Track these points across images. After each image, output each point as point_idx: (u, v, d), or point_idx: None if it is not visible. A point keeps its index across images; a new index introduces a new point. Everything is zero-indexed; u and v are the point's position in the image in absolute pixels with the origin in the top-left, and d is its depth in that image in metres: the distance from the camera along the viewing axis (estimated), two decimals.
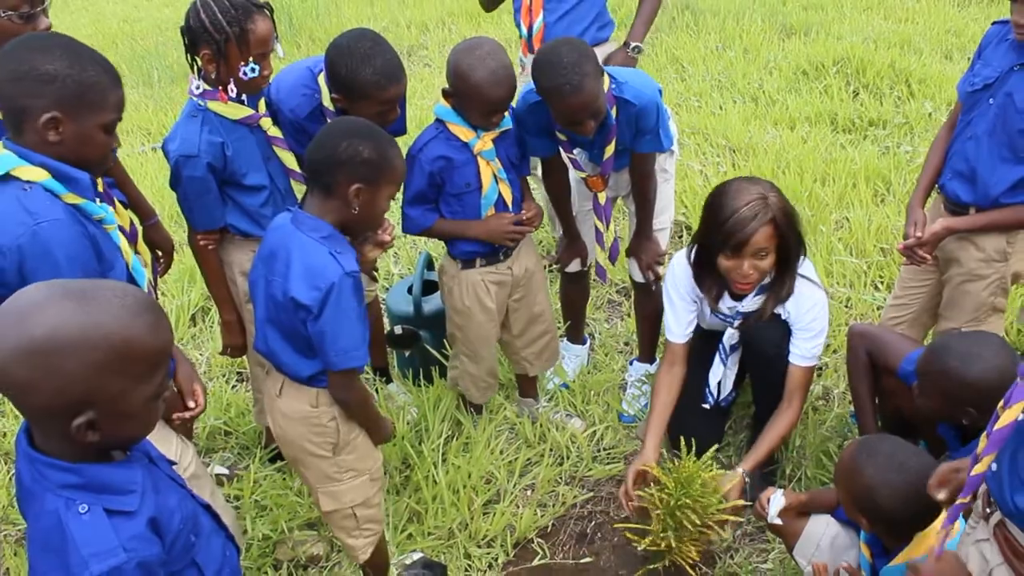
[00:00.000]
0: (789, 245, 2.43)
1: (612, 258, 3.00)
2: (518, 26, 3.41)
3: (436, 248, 3.66)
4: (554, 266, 3.45)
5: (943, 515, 1.89)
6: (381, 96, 2.31)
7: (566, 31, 3.17)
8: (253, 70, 2.23)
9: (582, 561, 2.63)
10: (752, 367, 2.72)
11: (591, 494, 2.83)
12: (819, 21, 6.53)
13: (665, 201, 2.95)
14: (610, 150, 2.63)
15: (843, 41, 5.99)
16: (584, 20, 3.30)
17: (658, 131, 2.64)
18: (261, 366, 2.41)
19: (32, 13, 2.00)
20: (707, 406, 2.75)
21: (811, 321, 2.51)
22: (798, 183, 4.24)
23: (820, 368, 3.13)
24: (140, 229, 2.09)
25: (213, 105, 2.26)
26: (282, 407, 2.13)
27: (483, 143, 2.51)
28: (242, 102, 2.30)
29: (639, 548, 2.44)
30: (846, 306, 3.53)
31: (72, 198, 1.72)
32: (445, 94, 2.49)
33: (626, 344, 3.48)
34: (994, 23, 2.53)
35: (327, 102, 2.42)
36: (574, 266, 3.09)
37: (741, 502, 2.42)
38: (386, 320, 3.33)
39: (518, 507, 2.76)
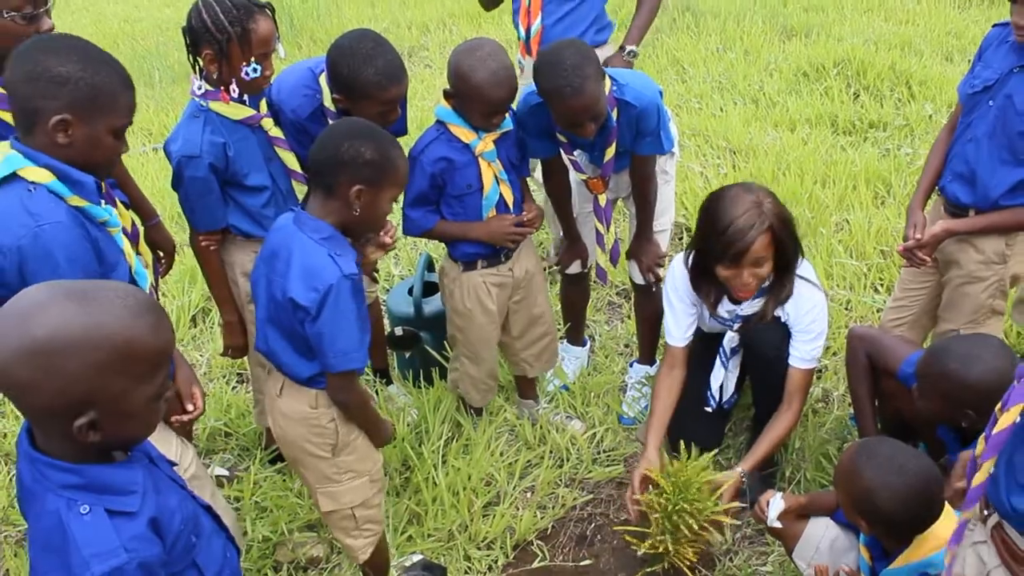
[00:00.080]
0: (787, 250, 2.42)
1: (613, 260, 3.00)
2: (516, 28, 3.41)
3: (436, 249, 3.66)
4: (554, 267, 3.45)
5: (943, 518, 1.89)
6: (383, 96, 2.31)
7: (564, 33, 3.16)
8: (255, 70, 2.23)
9: (582, 563, 2.62)
10: (752, 369, 2.72)
11: (591, 496, 2.83)
12: (820, 23, 6.53)
13: (665, 203, 2.95)
14: (611, 152, 2.64)
15: (844, 43, 5.99)
16: (582, 22, 3.30)
17: (659, 133, 2.64)
18: (262, 367, 2.41)
19: (35, 14, 1.99)
20: (709, 409, 2.75)
21: (811, 323, 2.51)
22: (798, 185, 4.24)
23: (820, 370, 3.12)
24: (141, 230, 2.09)
25: (215, 105, 2.26)
26: (282, 407, 2.13)
27: (484, 144, 2.52)
28: (244, 102, 2.30)
29: (638, 551, 2.44)
30: (846, 308, 3.53)
31: (77, 201, 1.72)
32: (446, 95, 2.49)
33: (626, 346, 3.48)
34: (994, 25, 2.53)
35: (328, 103, 2.43)
36: (574, 268, 3.09)
37: (736, 504, 2.42)
38: (386, 321, 3.33)
39: (518, 509, 2.76)
